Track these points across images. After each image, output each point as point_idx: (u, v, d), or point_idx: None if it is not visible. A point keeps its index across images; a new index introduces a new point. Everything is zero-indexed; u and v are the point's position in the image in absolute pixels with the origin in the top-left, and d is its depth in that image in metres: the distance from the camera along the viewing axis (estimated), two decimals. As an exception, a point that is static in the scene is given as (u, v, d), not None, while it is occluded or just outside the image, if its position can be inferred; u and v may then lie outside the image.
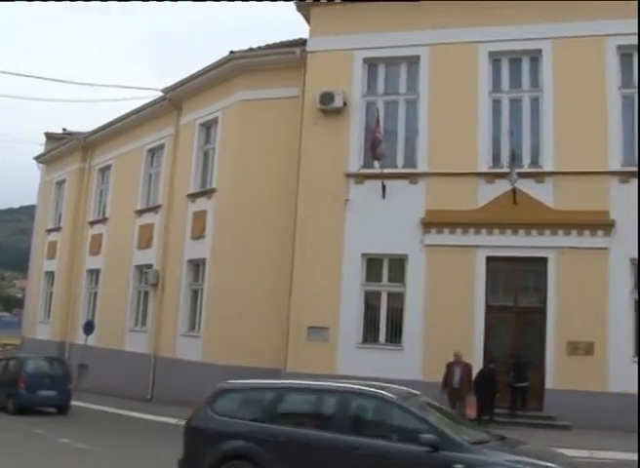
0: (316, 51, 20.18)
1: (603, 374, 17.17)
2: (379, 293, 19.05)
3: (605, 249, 17.62)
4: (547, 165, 18.25)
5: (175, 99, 24.58)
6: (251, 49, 21.90)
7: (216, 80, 22.73)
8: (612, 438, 15.32)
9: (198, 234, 22.54)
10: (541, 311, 17.90)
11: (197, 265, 22.72)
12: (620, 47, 18.40)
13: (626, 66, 18.53)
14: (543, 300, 17.95)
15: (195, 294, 22.67)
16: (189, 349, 21.93)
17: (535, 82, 18.92)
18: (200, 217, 22.54)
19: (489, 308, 18.16)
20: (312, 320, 18.92)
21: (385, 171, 18.71)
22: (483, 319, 18.03)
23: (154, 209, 25.48)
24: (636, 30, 18.08)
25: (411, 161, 19.23)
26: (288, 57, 20.95)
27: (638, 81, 17.86)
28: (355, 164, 19.36)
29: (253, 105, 21.36)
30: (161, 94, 24.97)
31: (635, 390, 16.50)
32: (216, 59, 22.28)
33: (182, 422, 17.47)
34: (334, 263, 18.95)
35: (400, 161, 19.37)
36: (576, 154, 17.90)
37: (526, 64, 19.09)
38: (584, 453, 13.98)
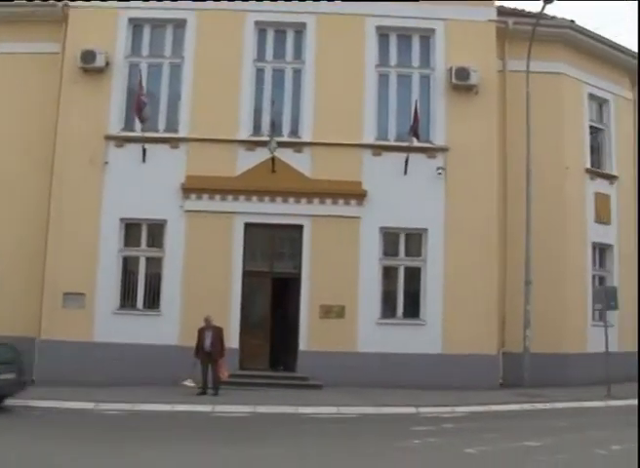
0: (79, 6, 19.20)
1: (352, 336, 18.24)
2: (137, 259, 18.77)
3: (357, 217, 18.62)
4: (306, 135, 18.88)
5: None
6: (8, -2, 20.46)
7: (-33, 30, 20.99)
8: (358, 395, 16.36)
9: (-56, 195, 20.84)
10: (296, 276, 18.62)
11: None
12: (378, 27, 19.39)
13: (383, 46, 19.58)
14: (298, 266, 18.66)
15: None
16: None
17: (298, 54, 19.43)
18: (-55, 177, 20.82)
19: (246, 273, 18.55)
20: (68, 286, 18.23)
21: (146, 134, 18.37)
22: (240, 284, 18.40)
23: None
24: (393, 13, 19.21)
25: (173, 125, 19.01)
26: (49, 10, 19.64)
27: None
28: (116, 126, 18.83)
29: (9, 59, 19.81)
30: None
31: (379, 349, 17.81)
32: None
33: None
34: (91, 228, 18.35)
35: (162, 125, 19.08)
36: (333, 126, 18.65)
37: (290, 37, 19.53)
38: (333, 410, 14.80)
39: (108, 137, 18.74)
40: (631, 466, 9.46)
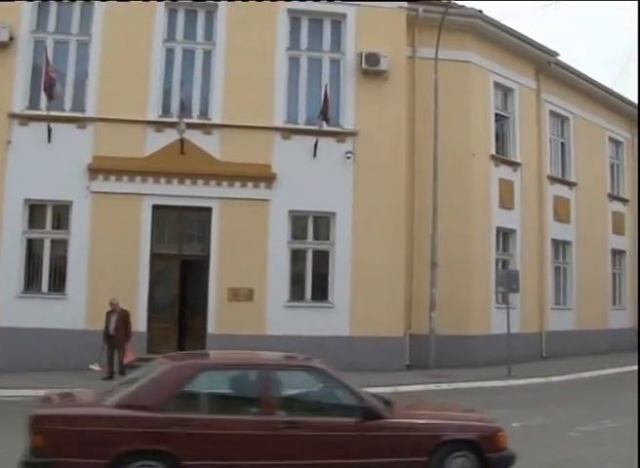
0: (-21, -22, 18.53)
1: (261, 319, 18.31)
2: (42, 241, 18.24)
3: (266, 200, 18.66)
4: (216, 117, 18.73)
5: None
6: None
7: None
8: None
9: None
10: (205, 259, 18.54)
11: None
12: (290, 11, 19.41)
13: (294, 30, 19.61)
14: (207, 249, 18.58)
15: None
16: None
17: (209, 35, 19.21)
18: None
19: (154, 256, 18.35)
20: (-32, 269, 17.67)
21: (52, 113, 17.80)
22: (148, 267, 18.19)
23: None
24: None
25: (79, 105, 18.49)
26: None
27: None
28: (19, 104, 18.18)
29: None
30: None
31: (288, 332, 17.85)
32: None
33: None
34: (-7, 209, 17.82)
35: (68, 104, 18.51)
36: (243, 109, 18.55)
37: (201, 17, 19.29)
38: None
39: (12, 116, 18.08)
40: (527, 441, 9.95)
